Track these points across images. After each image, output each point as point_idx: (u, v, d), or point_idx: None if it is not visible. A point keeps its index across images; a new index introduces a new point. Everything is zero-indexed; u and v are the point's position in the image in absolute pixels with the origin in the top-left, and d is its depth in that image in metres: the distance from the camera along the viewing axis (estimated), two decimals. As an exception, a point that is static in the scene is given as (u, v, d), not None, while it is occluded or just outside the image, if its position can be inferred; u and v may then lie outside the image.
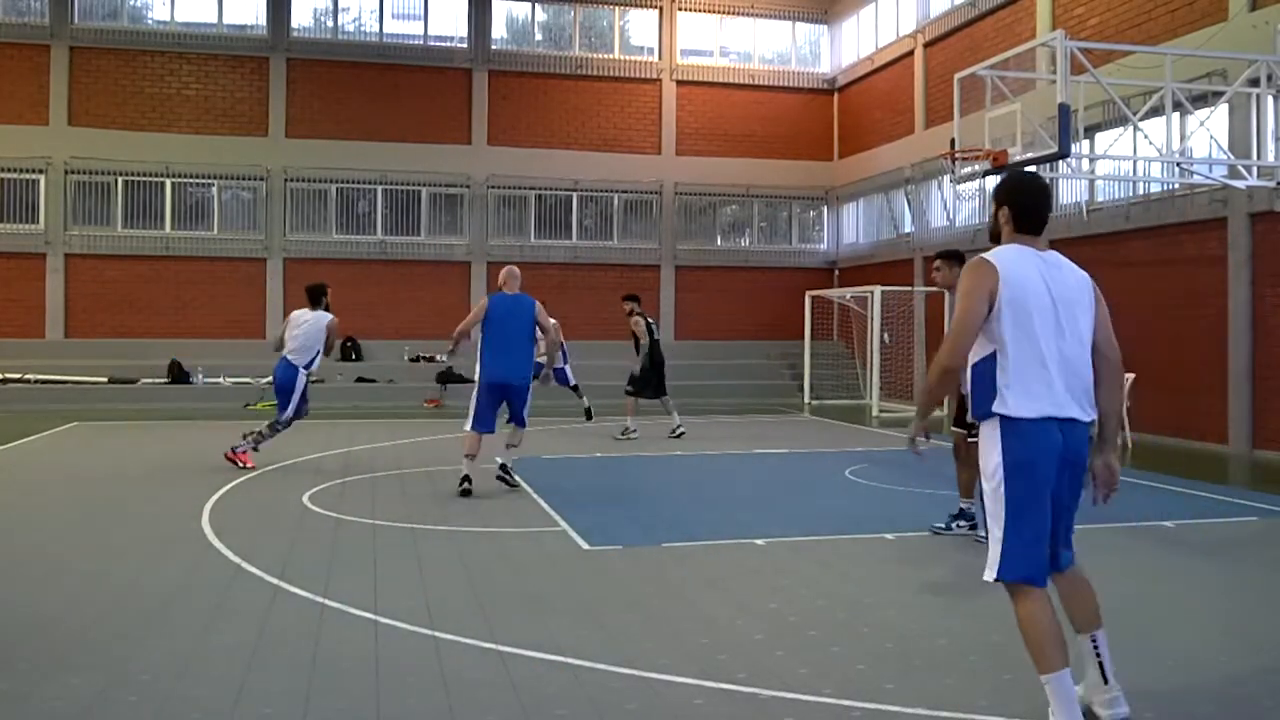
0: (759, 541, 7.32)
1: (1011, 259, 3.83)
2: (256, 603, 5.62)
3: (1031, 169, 10.42)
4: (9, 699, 4.17)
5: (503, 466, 9.47)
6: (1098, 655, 3.91)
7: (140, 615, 5.36)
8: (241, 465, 10.59)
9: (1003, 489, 3.76)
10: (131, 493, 9.39)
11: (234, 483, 9.78)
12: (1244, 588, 6.32)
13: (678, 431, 13.93)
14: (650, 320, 14.59)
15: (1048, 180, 15.43)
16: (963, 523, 7.57)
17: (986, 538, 3.93)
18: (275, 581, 6.06)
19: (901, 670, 4.58)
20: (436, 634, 5.05)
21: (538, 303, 9.48)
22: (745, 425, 16.35)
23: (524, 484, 9.73)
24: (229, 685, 4.33)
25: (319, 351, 10.90)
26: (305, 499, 8.92)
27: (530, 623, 5.24)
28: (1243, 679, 4.57)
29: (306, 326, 10.80)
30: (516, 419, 9.47)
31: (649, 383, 14.06)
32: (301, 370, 10.80)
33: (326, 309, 10.92)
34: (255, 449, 10.79)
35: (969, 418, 5.16)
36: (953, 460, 7.87)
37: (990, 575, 3.83)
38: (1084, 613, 3.97)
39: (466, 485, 9.05)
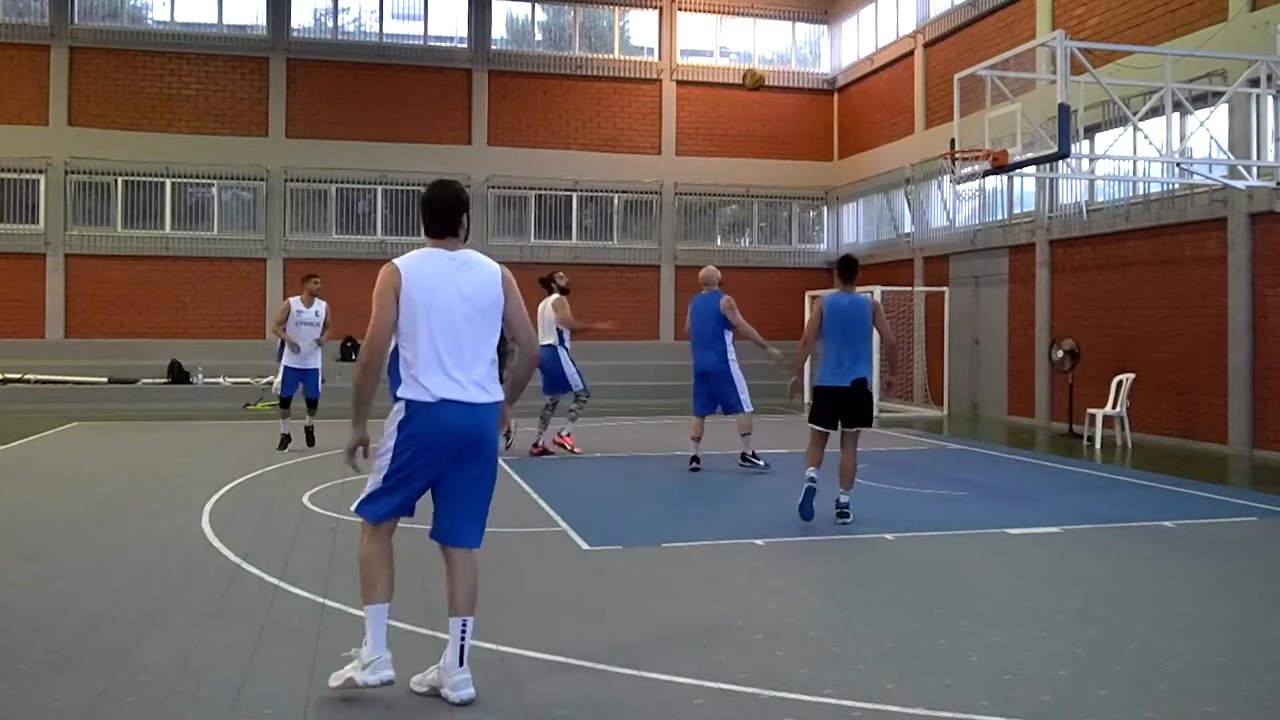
0: (759, 541, 7.32)
1: (417, 263, 4.22)
2: (256, 603, 5.62)
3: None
4: (9, 699, 4.18)
5: (742, 455, 10.91)
6: (462, 639, 4.19)
7: (140, 615, 5.36)
8: (570, 449, 12.00)
9: (390, 455, 4.23)
10: (131, 493, 9.39)
11: (234, 483, 9.78)
12: (1244, 588, 6.32)
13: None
14: None
15: (1044, 176, 15.46)
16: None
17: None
18: (275, 581, 6.07)
19: (901, 670, 4.58)
20: (436, 634, 5.05)
21: (724, 298, 11.15)
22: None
23: (524, 484, 9.74)
24: (229, 685, 4.34)
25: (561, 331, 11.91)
26: (305, 499, 8.92)
27: (530, 623, 5.24)
28: (1243, 679, 4.57)
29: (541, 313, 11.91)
30: (727, 408, 10.80)
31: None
32: (558, 348, 11.77)
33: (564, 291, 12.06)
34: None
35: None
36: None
37: (354, 507, 4.43)
38: (461, 596, 4.26)
39: (695, 465, 10.74)
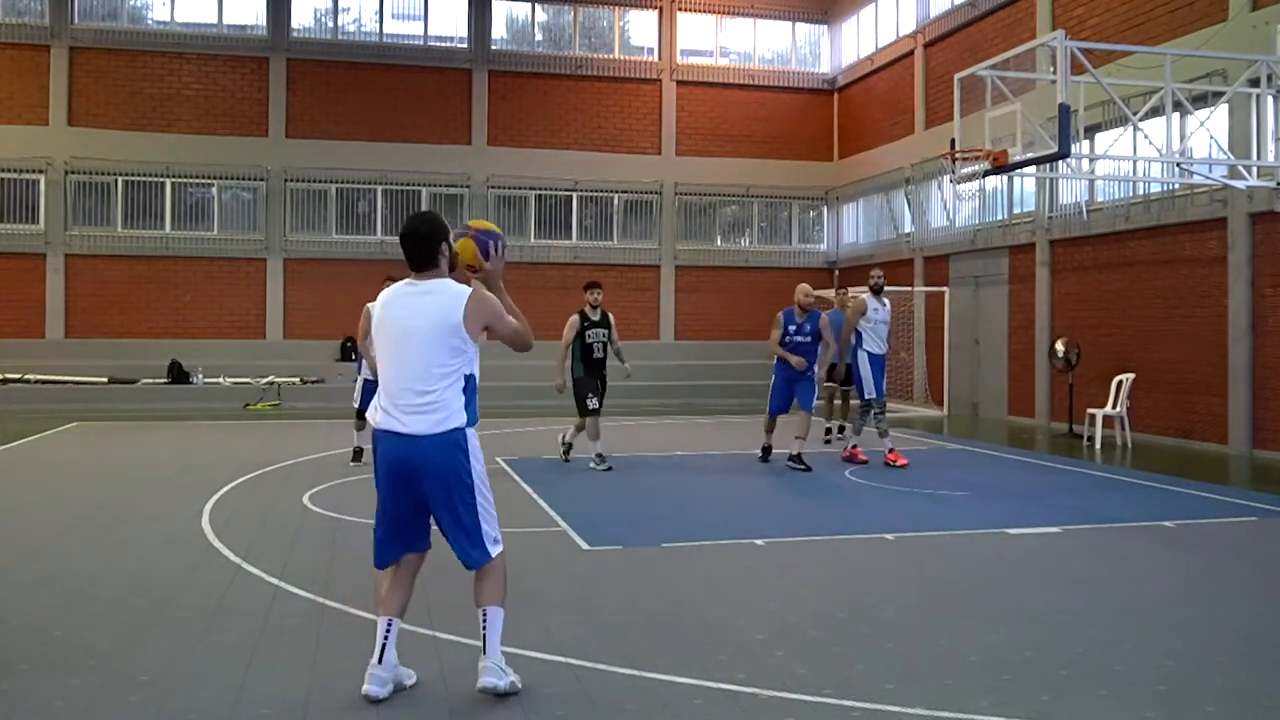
0: (759, 541, 7.32)
1: (384, 299, 4.42)
2: (256, 603, 5.62)
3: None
4: (9, 699, 4.17)
5: (791, 456, 11.00)
6: (483, 628, 4.29)
7: (140, 615, 5.36)
8: (885, 462, 11.36)
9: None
10: (131, 493, 9.39)
11: (234, 483, 9.78)
12: (1244, 588, 6.32)
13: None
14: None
15: (1048, 177, 15.47)
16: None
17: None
18: (275, 581, 6.06)
19: (901, 670, 4.58)
20: (436, 634, 5.05)
21: (820, 314, 11.28)
22: (745, 425, 16.34)
23: (524, 484, 9.74)
24: (229, 685, 4.34)
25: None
26: (305, 499, 8.92)
27: (530, 623, 5.24)
28: (1243, 679, 4.57)
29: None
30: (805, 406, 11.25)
31: None
32: (857, 350, 11.70)
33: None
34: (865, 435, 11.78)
35: None
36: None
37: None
38: (478, 594, 4.34)
39: (765, 458, 11.28)
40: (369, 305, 10.12)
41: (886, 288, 11.94)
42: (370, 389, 11.08)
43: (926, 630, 5.20)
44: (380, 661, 4.22)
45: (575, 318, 11.08)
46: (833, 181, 23.81)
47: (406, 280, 4.36)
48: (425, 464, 4.20)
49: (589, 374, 11.00)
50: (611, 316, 11.30)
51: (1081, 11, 15.68)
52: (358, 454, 11.33)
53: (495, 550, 4.31)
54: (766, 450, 11.58)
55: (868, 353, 11.59)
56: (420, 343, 4.22)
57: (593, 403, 10.91)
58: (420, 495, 4.25)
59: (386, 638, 4.23)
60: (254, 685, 4.35)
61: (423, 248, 4.30)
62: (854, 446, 11.67)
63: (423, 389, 4.21)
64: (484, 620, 4.27)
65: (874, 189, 22.22)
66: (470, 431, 4.28)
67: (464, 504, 4.24)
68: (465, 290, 4.29)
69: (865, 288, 12.20)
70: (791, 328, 11.02)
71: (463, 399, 4.25)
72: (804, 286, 11.31)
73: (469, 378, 4.29)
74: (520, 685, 4.27)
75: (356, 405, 11.30)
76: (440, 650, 4.83)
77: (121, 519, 8.12)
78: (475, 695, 4.24)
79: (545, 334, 22.08)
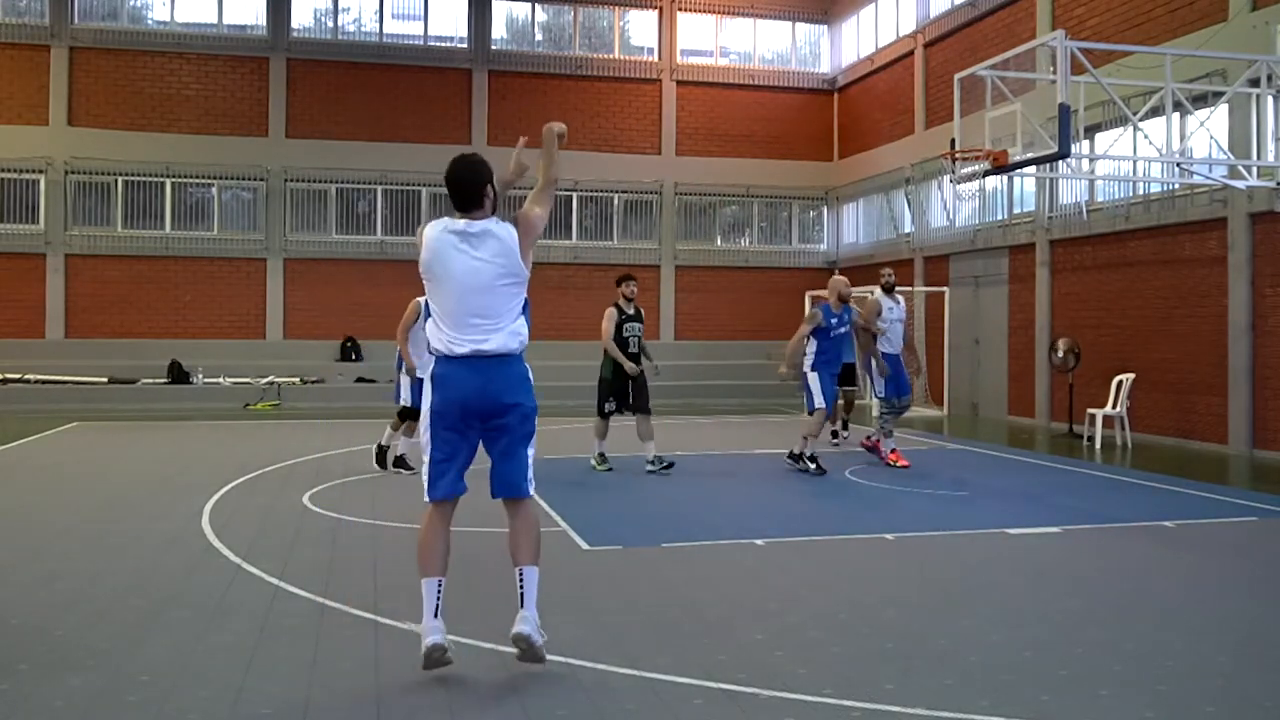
0: (759, 541, 7.32)
1: (434, 244, 4.55)
2: (256, 603, 5.62)
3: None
4: (9, 699, 4.17)
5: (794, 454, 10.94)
6: (520, 586, 4.56)
7: (140, 615, 5.36)
8: (894, 463, 11.21)
9: (426, 428, 4.65)
10: (131, 493, 9.39)
11: (234, 483, 9.78)
12: (1244, 588, 6.32)
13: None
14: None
15: (1049, 177, 15.46)
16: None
17: None
18: (275, 581, 6.06)
19: (901, 670, 4.58)
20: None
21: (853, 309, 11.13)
22: (745, 425, 16.36)
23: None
24: (229, 685, 4.33)
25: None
26: (305, 499, 8.92)
27: (530, 623, 5.24)
28: (1243, 679, 4.57)
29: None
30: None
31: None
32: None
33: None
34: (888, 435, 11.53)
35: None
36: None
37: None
38: (517, 549, 4.67)
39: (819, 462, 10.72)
40: (418, 300, 9.45)
41: (850, 289, 11.86)
42: (419, 388, 10.38)
43: (926, 630, 5.20)
44: (436, 617, 4.43)
45: (613, 310, 10.73)
46: (833, 181, 23.81)
47: (451, 220, 4.58)
48: (501, 391, 4.49)
49: (616, 375, 10.60)
50: (642, 311, 11.07)
51: (1081, 11, 15.68)
52: (401, 461, 10.33)
53: (533, 488, 4.67)
54: (834, 434, 12.50)
55: (882, 352, 11.55)
56: (486, 288, 4.51)
57: (610, 406, 10.69)
58: (480, 423, 4.52)
59: (439, 597, 4.48)
60: (254, 685, 4.35)
61: (470, 191, 4.58)
62: (893, 450, 11.39)
63: (493, 323, 4.50)
64: (521, 579, 4.55)
65: (874, 189, 22.23)
66: (529, 369, 4.63)
67: (525, 436, 4.58)
68: (511, 230, 4.61)
69: (876, 287, 12.16)
70: (834, 319, 10.84)
71: (525, 327, 4.61)
72: (842, 278, 11.30)
73: (525, 301, 4.65)
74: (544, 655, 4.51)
75: (404, 403, 10.09)
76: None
77: (121, 519, 8.12)
78: (476, 695, 4.24)
79: (544, 335, 22.14)
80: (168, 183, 21.10)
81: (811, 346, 10.79)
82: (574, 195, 22.79)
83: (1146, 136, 12.48)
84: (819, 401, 10.66)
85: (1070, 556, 7.04)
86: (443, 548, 4.60)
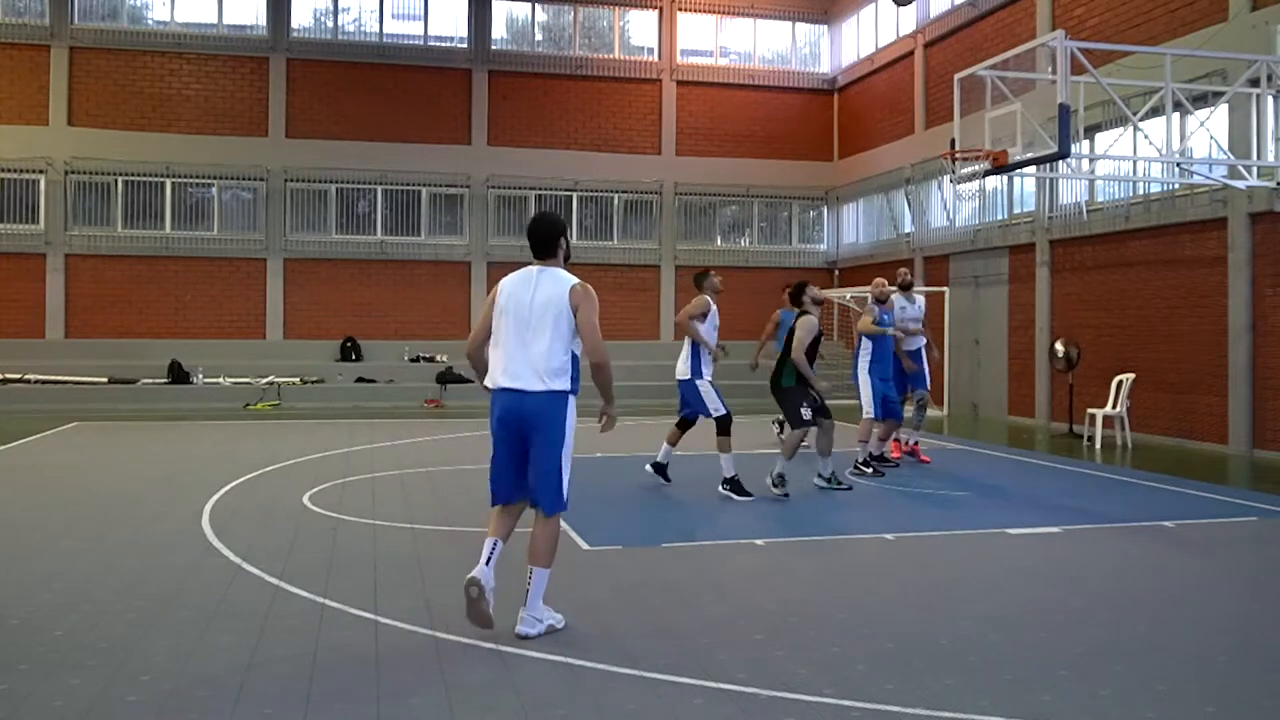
0: (759, 541, 7.32)
1: (511, 279, 5.27)
2: (256, 603, 5.62)
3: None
4: (9, 699, 4.17)
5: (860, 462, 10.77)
6: (528, 584, 5.06)
7: (140, 615, 5.36)
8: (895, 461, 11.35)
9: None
10: (131, 492, 9.38)
11: (234, 483, 9.78)
12: (1244, 587, 6.32)
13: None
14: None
15: (1050, 177, 15.46)
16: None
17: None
18: (275, 581, 6.06)
19: (901, 670, 4.58)
20: (436, 634, 5.06)
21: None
22: (745, 425, 16.33)
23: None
24: (229, 685, 4.34)
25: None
26: (305, 499, 8.92)
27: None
28: (1243, 679, 4.57)
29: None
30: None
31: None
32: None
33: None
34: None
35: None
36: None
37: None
38: (532, 551, 5.12)
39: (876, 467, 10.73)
40: (704, 297, 9.74)
41: (888, 289, 11.90)
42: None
43: (926, 630, 5.20)
44: (486, 565, 4.97)
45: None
46: (833, 181, 23.81)
47: (530, 267, 5.25)
48: (534, 413, 5.01)
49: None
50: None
51: (1081, 11, 15.68)
52: (737, 486, 9.30)
53: (561, 506, 5.07)
54: (882, 458, 11.04)
55: (905, 350, 11.69)
56: (539, 319, 5.05)
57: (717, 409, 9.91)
58: (524, 442, 5.03)
59: (493, 552, 5.02)
60: (254, 685, 4.35)
61: (546, 242, 5.26)
62: (914, 443, 11.87)
63: (540, 358, 5.02)
64: (530, 577, 5.03)
65: (874, 189, 22.22)
66: (571, 398, 5.08)
67: (553, 454, 5.01)
68: (573, 279, 5.17)
69: (894, 286, 12.16)
70: (886, 317, 11.04)
71: (569, 369, 5.05)
72: (880, 280, 11.56)
73: (573, 353, 5.08)
74: (562, 623, 5.08)
75: (718, 412, 9.90)
76: (441, 650, 4.83)
77: (121, 519, 8.11)
78: (476, 694, 4.24)
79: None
80: (168, 183, 21.09)
81: (865, 348, 10.98)
82: (574, 195, 22.79)
83: (1146, 136, 12.48)
84: (868, 409, 10.75)
85: (1070, 556, 7.04)
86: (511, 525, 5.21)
